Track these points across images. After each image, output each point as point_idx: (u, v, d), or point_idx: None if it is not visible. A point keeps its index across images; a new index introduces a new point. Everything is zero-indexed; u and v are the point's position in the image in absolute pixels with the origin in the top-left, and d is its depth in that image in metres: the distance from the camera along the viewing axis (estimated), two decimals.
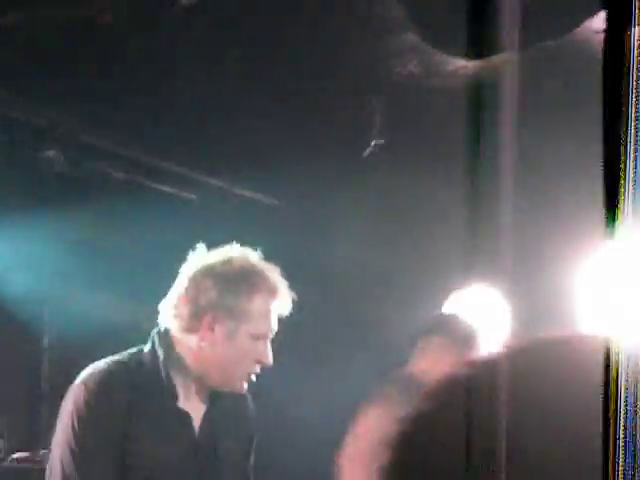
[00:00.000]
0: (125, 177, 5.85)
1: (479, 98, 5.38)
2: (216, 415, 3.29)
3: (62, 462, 3.07)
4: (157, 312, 3.27)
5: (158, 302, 3.27)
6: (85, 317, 5.11)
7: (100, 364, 3.19)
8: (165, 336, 3.24)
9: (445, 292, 6.04)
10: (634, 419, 0.93)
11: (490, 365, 0.94)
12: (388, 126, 5.67)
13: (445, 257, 6.17)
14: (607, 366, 0.91)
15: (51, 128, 5.38)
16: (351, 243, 6.31)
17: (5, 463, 5.22)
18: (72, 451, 3.06)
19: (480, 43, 4.14)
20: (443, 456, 0.90)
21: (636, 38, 1.32)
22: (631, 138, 1.33)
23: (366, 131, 5.73)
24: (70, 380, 3.20)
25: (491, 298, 5.88)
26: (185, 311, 3.21)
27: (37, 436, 5.40)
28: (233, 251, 3.30)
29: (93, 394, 3.09)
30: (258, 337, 3.23)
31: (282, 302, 3.26)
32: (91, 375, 3.14)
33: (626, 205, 1.29)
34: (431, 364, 4.01)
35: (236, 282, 3.21)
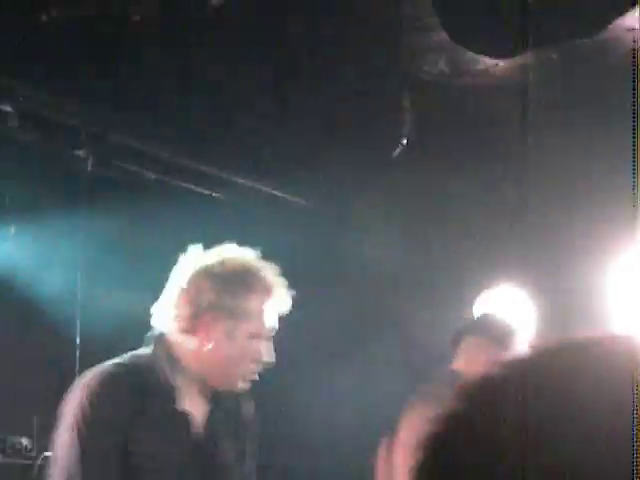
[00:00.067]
0: (155, 177, 5.87)
1: (509, 97, 5.35)
2: (218, 415, 3.31)
3: (65, 463, 3.09)
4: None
5: None
6: (117, 316, 5.13)
7: (102, 366, 3.21)
8: (163, 339, 3.26)
9: (475, 291, 6.02)
10: None
11: (524, 365, 0.93)
12: (418, 125, 5.66)
13: (474, 256, 6.16)
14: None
15: (82, 128, 5.39)
16: (380, 243, 6.30)
17: (36, 462, 5.25)
18: (75, 452, 3.07)
19: (510, 42, 4.13)
20: (476, 457, 0.89)
21: None
22: None
23: (396, 130, 5.72)
24: None
25: (520, 298, 5.86)
26: (185, 312, 3.22)
27: None
28: (229, 251, 3.31)
29: (95, 395, 3.10)
30: (257, 336, 3.25)
31: (279, 301, 3.28)
32: (93, 377, 3.16)
33: None
34: (470, 364, 4.03)
35: (234, 282, 3.23)
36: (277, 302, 3.27)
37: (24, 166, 5.25)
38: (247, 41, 4.87)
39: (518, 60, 4.70)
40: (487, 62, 4.88)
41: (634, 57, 4.20)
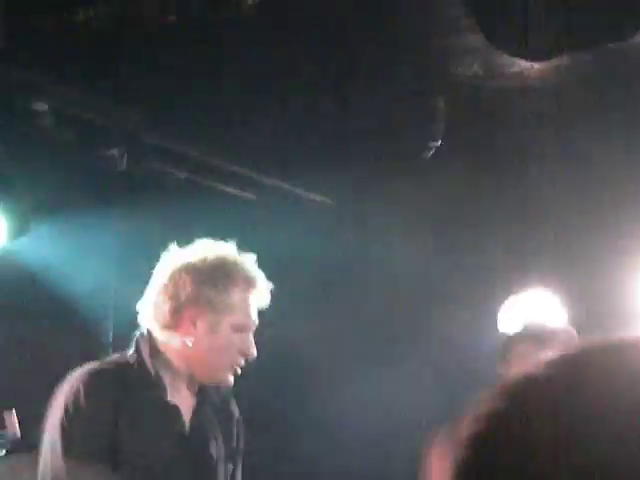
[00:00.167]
0: (187, 177, 5.88)
1: (544, 99, 5.32)
2: (205, 409, 3.33)
3: (52, 463, 3.11)
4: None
5: None
6: None
7: (89, 366, 3.23)
8: (148, 337, 3.27)
9: (503, 295, 6.01)
10: None
11: (566, 365, 0.93)
12: (450, 127, 5.65)
13: (504, 260, 6.14)
14: None
15: (114, 127, 5.42)
16: (409, 245, 6.28)
17: None
18: (63, 450, 3.09)
19: (545, 44, 4.12)
20: (513, 456, 0.89)
21: None
22: None
23: (427, 132, 5.71)
24: None
25: (549, 302, 5.84)
26: (166, 308, 3.24)
27: None
28: (208, 247, 3.33)
29: (82, 394, 3.12)
30: (240, 329, 3.27)
31: (260, 294, 3.29)
32: (80, 376, 3.18)
33: None
34: (517, 370, 4.02)
35: (214, 276, 3.25)
36: (259, 295, 3.29)
37: (58, 164, 5.27)
38: (282, 40, 4.87)
39: (553, 62, 4.69)
40: (522, 64, 4.87)
41: None
